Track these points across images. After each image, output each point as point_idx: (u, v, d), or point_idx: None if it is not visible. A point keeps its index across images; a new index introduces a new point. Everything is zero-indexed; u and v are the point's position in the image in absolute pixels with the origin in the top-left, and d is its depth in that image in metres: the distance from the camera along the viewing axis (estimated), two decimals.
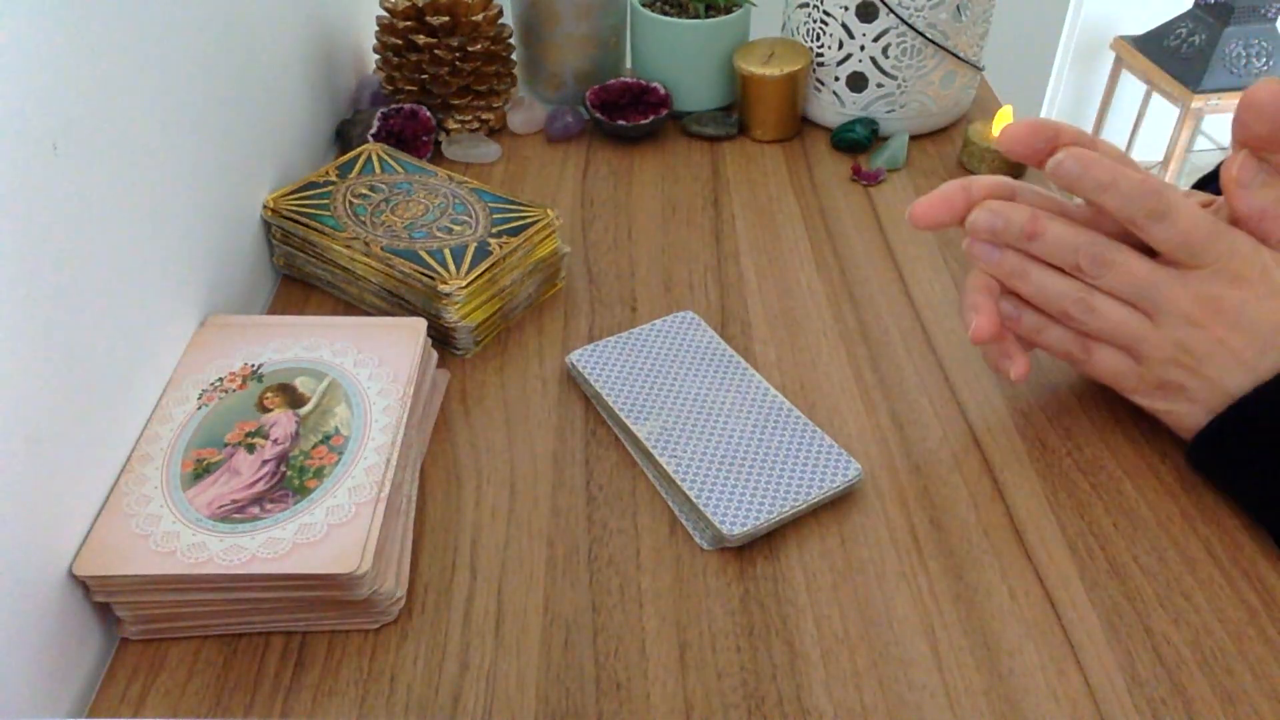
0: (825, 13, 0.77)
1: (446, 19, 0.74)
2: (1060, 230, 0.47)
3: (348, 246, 0.60)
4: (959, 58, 0.78)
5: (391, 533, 0.45)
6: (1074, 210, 0.50)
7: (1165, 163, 2.11)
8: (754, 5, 0.82)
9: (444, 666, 0.43)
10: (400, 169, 0.67)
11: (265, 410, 0.49)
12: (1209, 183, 0.63)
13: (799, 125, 0.82)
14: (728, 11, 0.81)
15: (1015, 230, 0.48)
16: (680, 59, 0.81)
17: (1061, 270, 0.48)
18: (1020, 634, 0.44)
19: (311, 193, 0.64)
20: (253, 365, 0.52)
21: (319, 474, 0.46)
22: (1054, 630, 0.44)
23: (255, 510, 0.44)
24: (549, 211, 0.62)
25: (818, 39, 0.79)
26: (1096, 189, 0.45)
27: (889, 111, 0.80)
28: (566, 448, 0.53)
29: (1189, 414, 0.48)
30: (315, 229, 0.61)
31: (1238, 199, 0.45)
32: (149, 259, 0.50)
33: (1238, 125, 0.45)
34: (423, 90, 0.78)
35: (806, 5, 0.79)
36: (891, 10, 0.74)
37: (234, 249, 0.60)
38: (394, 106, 0.75)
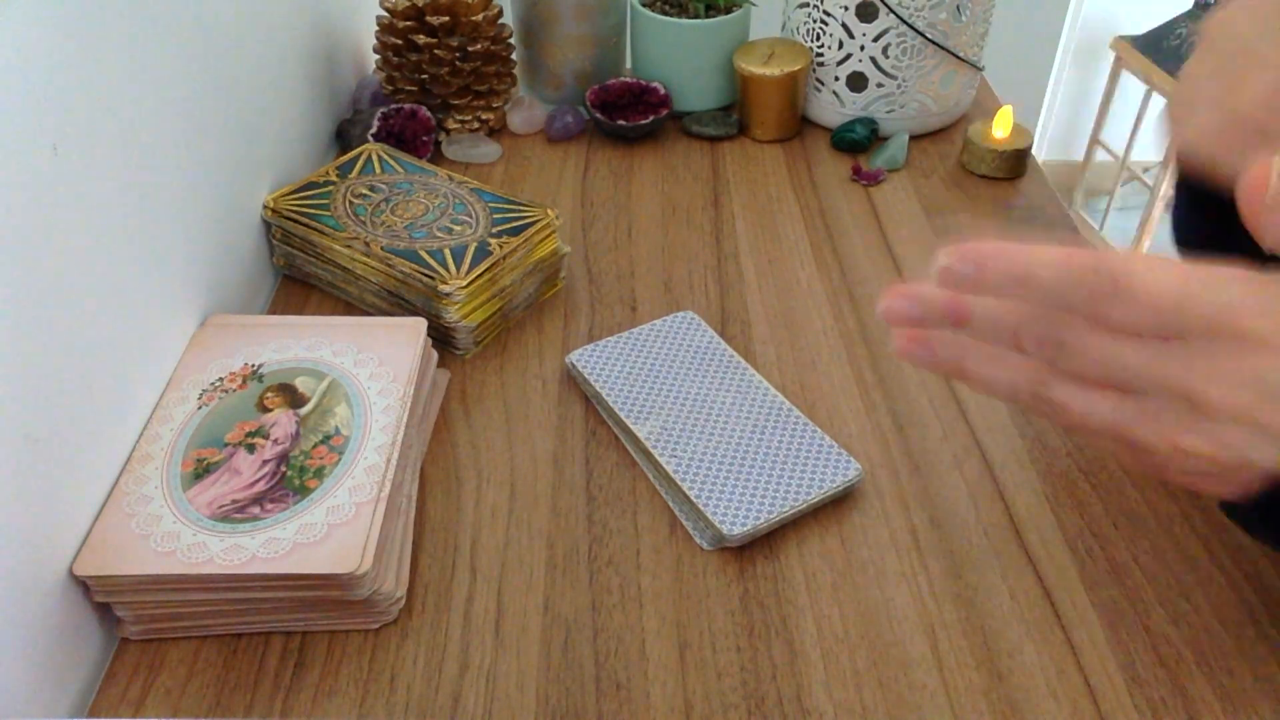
0: (825, 13, 0.77)
1: (446, 19, 0.74)
2: (990, 306, 0.34)
3: (348, 246, 0.60)
4: (959, 58, 0.78)
5: (391, 533, 0.45)
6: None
7: (1165, 163, 2.11)
8: (754, 5, 0.82)
9: (444, 666, 0.43)
10: (400, 169, 0.67)
11: (265, 410, 0.49)
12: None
13: (799, 125, 0.82)
14: (728, 11, 0.81)
15: (937, 314, 0.36)
16: (680, 59, 0.81)
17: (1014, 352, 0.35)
18: (1020, 634, 0.44)
19: (311, 193, 0.64)
20: (253, 365, 0.52)
21: (319, 474, 0.46)
22: (1054, 630, 0.44)
23: (255, 510, 0.44)
24: (549, 211, 0.62)
25: (818, 39, 0.79)
26: (1011, 284, 0.33)
27: (889, 111, 0.80)
28: (566, 448, 0.53)
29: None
30: (315, 229, 0.61)
31: (1270, 229, 0.31)
32: (149, 259, 0.50)
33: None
34: (423, 90, 0.78)
35: (806, 5, 0.79)
36: (891, 10, 0.74)
37: (234, 249, 0.60)
38: (394, 106, 0.75)
